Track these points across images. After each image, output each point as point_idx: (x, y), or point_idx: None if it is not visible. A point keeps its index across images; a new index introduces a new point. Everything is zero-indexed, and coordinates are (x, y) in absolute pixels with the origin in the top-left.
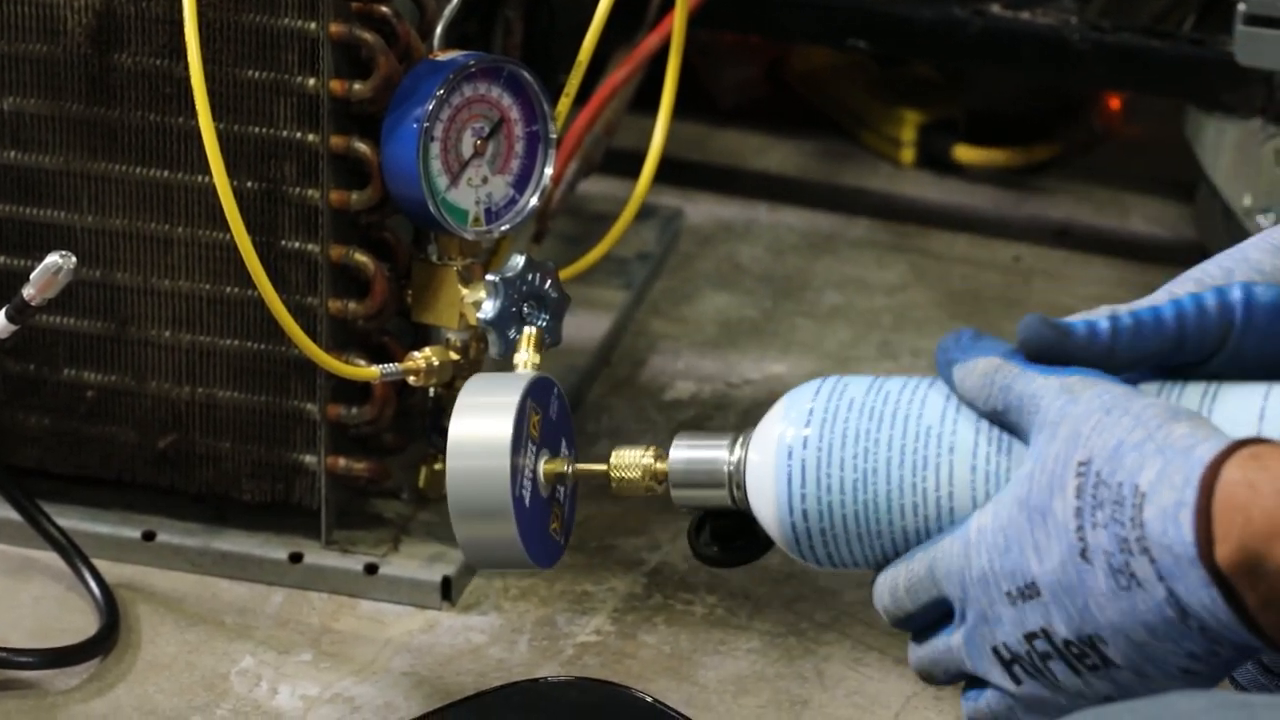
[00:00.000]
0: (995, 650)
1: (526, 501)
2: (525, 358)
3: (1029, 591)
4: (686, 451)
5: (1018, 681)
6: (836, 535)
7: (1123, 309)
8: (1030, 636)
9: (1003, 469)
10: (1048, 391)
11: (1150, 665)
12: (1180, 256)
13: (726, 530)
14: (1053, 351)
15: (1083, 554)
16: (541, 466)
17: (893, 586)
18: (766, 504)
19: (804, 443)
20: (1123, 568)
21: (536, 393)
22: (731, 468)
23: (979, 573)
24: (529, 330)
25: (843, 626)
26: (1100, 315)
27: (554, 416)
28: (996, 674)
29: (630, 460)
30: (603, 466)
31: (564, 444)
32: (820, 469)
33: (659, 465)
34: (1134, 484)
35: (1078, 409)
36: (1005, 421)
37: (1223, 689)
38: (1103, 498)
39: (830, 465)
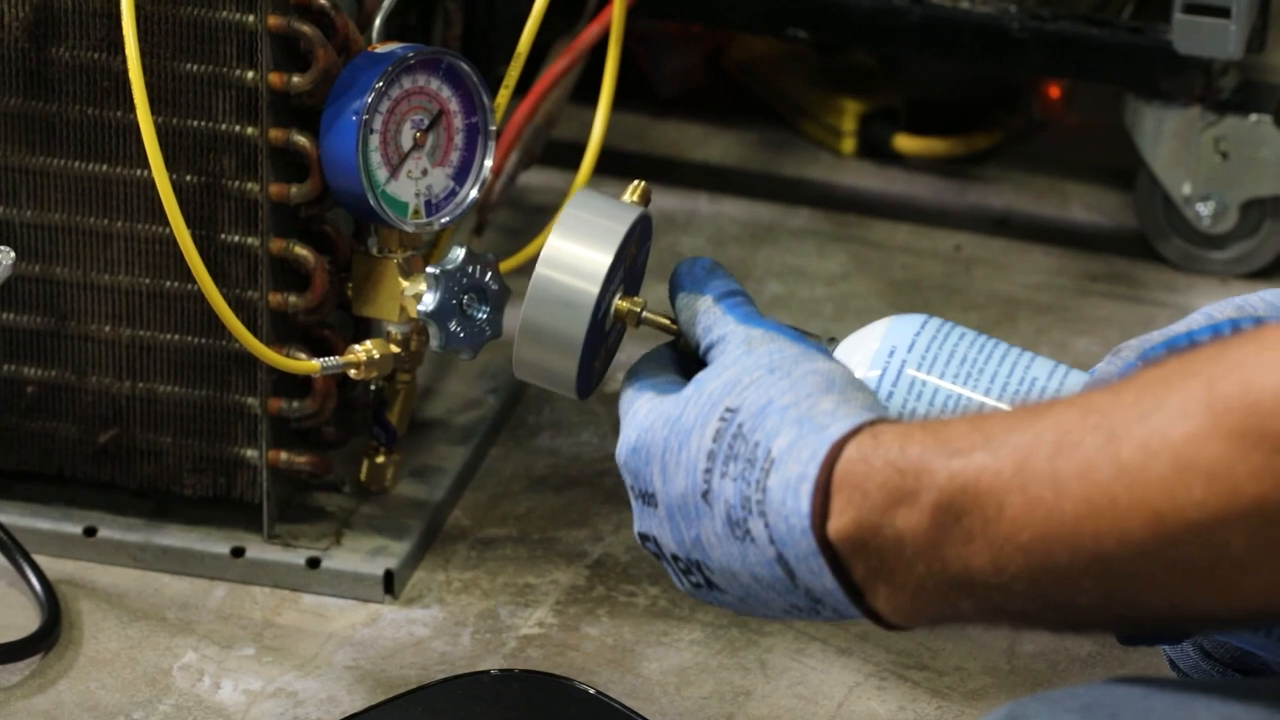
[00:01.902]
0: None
1: (593, 333)
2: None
3: (650, 500)
4: None
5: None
6: None
7: (1157, 336)
8: (644, 537)
9: None
10: (734, 338)
11: (754, 601)
12: (1120, 244)
13: None
14: None
15: (704, 496)
16: (616, 302)
17: None
18: None
19: (910, 345)
20: (740, 521)
21: (641, 228)
22: None
23: (619, 453)
24: (638, 182)
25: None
26: (1130, 345)
27: (641, 258)
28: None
29: None
30: (673, 325)
31: (638, 273)
32: (920, 371)
33: None
34: (767, 448)
35: (747, 360)
36: (707, 359)
37: (1163, 673)
38: (738, 451)
39: (929, 374)
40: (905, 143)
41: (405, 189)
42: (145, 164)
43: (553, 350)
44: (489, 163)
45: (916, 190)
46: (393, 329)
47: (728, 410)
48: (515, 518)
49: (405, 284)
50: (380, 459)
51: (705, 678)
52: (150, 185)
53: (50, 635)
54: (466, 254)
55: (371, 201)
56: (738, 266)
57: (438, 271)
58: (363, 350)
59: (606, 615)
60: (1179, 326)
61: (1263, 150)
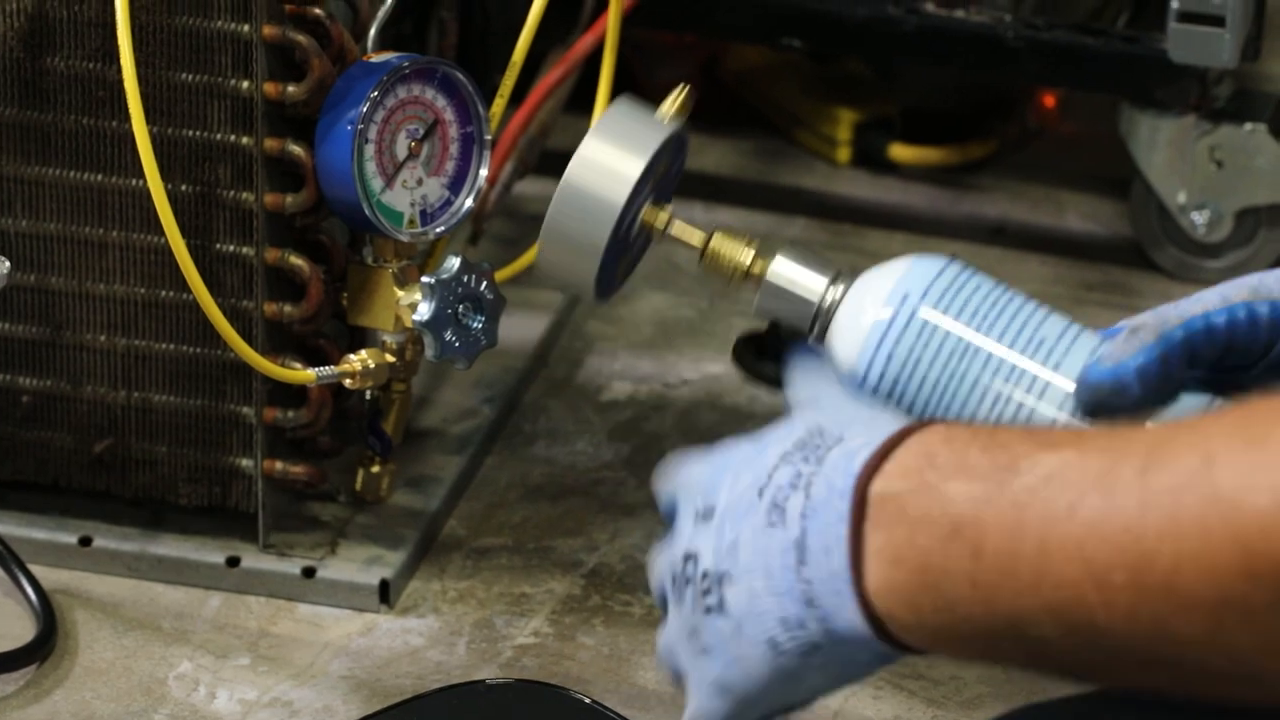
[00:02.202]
0: (669, 561)
1: (616, 239)
2: (669, 111)
3: (708, 515)
4: (788, 270)
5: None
6: (904, 393)
7: (1173, 317)
8: (688, 557)
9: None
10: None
11: (748, 622)
12: (1116, 253)
13: (780, 354)
14: (1115, 411)
15: (760, 491)
16: (645, 210)
17: None
18: (852, 342)
19: (924, 291)
20: (780, 503)
21: (675, 143)
22: (827, 301)
23: (691, 474)
24: (681, 88)
25: None
26: (1147, 324)
27: (675, 169)
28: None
29: (731, 248)
30: (701, 235)
31: (670, 184)
32: (928, 324)
33: (755, 267)
34: (839, 434)
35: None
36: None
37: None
38: (809, 443)
39: (939, 324)
40: (900, 152)
41: (400, 199)
42: (140, 174)
43: (574, 251)
44: (484, 172)
45: (912, 199)
46: (388, 338)
47: (819, 427)
48: (511, 527)
49: (400, 293)
50: (375, 468)
51: None
52: (145, 195)
53: (46, 645)
54: (462, 263)
55: (367, 211)
56: None
57: (433, 281)
58: (358, 360)
59: (602, 625)
60: (1194, 306)
61: (1258, 159)
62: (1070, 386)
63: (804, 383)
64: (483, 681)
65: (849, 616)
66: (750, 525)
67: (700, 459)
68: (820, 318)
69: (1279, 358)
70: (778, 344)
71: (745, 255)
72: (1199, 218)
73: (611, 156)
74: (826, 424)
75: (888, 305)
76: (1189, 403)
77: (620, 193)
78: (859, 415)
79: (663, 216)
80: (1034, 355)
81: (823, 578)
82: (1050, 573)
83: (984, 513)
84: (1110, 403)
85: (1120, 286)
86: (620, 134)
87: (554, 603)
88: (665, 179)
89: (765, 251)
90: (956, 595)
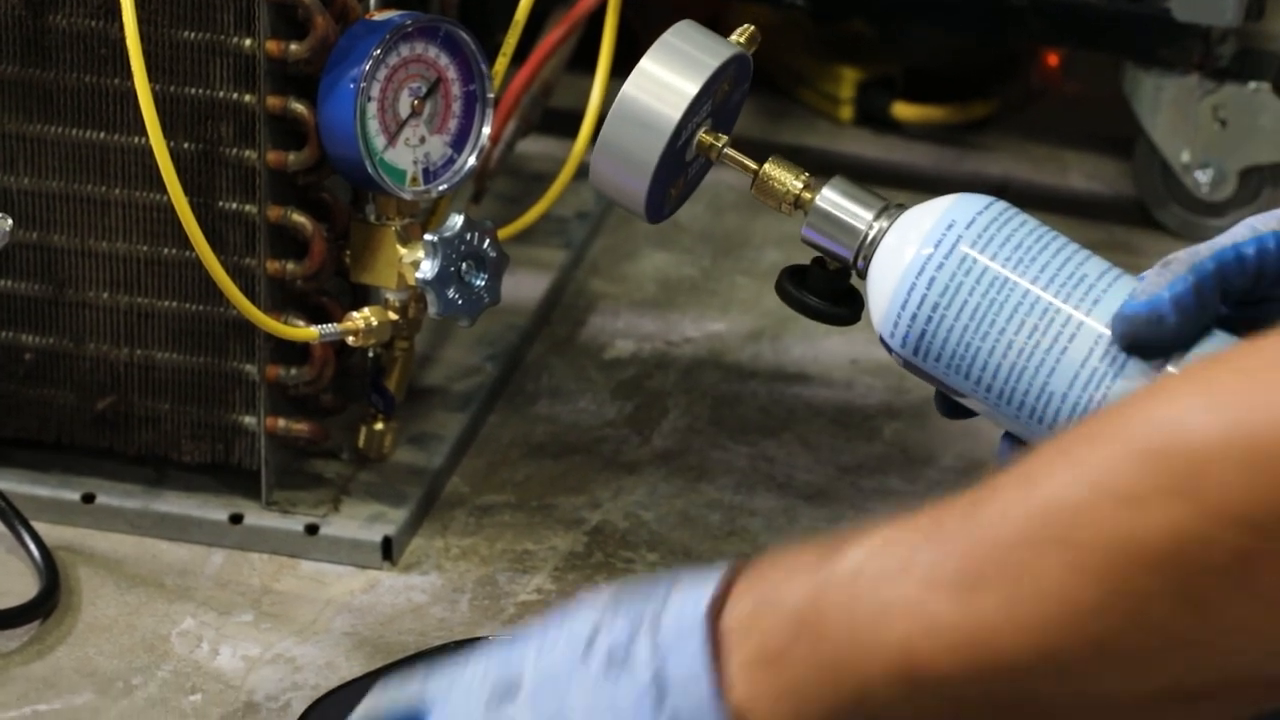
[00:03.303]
0: None
1: (670, 159)
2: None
3: (511, 691)
4: (837, 198)
5: None
6: (940, 323)
7: (1204, 250)
8: None
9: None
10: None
11: None
12: (1119, 212)
13: (823, 288)
14: (1151, 344)
15: (586, 647)
16: (699, 134)
17: None
18: (894, 272)
19: (970, 222)
20: (622, 651)
21: (736, 68)
22: (873, 232)
23: (475, 671)
24: (748, 26)
25: None
26: (1179, 258)
27: (736, 97)
28: None
29: (782, 175)
30: (754, 164)
31: (731, 107)
32: (973, 248)
33: (806, 194)
34: (667, 584)
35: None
36: None
37: None
38: (626, 598)
39: (982, 253)
40: (903, 110)
41: (403, 156)
42: (143, 131)
43: (627, 166)
44: (487, 130)
45: (915, 158)
46: (391, 296)
47: (629, 589)
48: (514, 484)
49: (403, 251)
50: (378, 426)
51: None
52: (148, 153)
53: (48, 601)
54: (464, 221)
55: (369, 169)
56: (736, 234)
57: (436, 239)
58: (360, 317)
59: (605, 581)
60: (1224, 240)
61: (1261, 118)
62: (1106, 321)
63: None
64: (486, 638)
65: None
66: (580, 685)
67: (453, 667)
68: (864, 249)
69: None
70: (821, 277)
71: (797, 183)
72: (1203, 177)
73: (669, 73)
74: (639, 587)
75: (930, 237)
76: (1221, 341)
77: (676, 109)
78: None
79: (717, 143)
80: (1074, 290)
81: (691, 706)
82: (890, 630)
83: (821, 597)
84: (1146, 335)
85: (1124, 245)
86: (680, 52)
87: (557, 559)
88: (725, 106)
89: (816, 182)
90: (808, 686)
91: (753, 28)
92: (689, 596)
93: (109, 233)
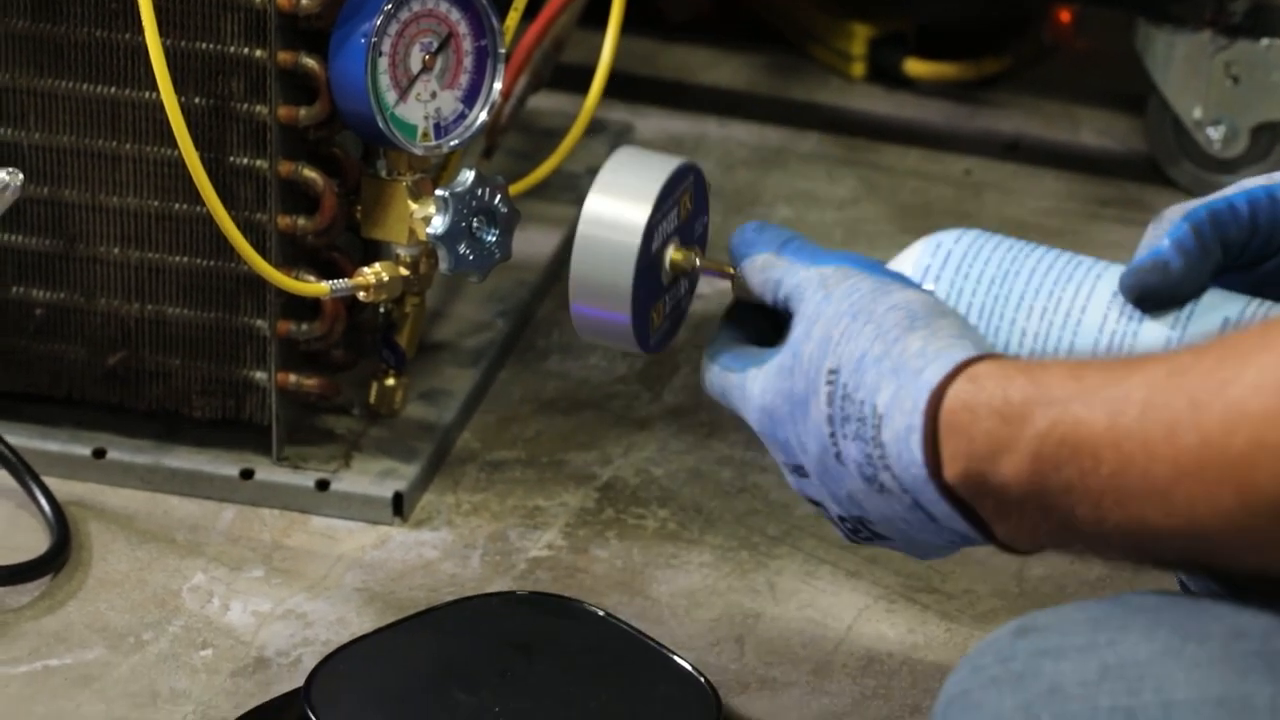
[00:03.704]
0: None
1: (645, 283)
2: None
3: (800, 471)
4: None
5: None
6: None
7: (1194, 201)
8: (811, 501)
9: (1136, 317)
10: (809, 284)
11: (919, 544)
12: (1131, 169)
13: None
14: (1160, 292)
15: (838, 457)
16: (670, 253)
17: None
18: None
19: (956, 238)
20: (872, 477)
21: (694, 181)
22: None
23: (760, 432)
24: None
25: (794, 540)
26: (1168, 214)
27: (699, 213)
28: None
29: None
30: (731, 269)
31: (697, 231)
32: (965, 260)
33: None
34: (873, 404)
35: (830, 308)
36: (788, 311)
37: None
38: (849, 412)
39: (975, 260)
40: (915, 67)
41: (414, 112)
42: (154, 86)
43: (604, 305)
44: (498, 86)
45: (927, 115)
46: (402, 252)
47: (830, 372)
48: (524, 440)
49: (414, 207)
50: (389, 382)
51: (714, 600)
52: (159, 108)
53: (59, 556)
54: (475, 177)
55: (380, 124)
56: (747, 190)
57: (447, 194)
58: (371, 273)
59: (616, 538)
60: (1213, 195)
61: (1274, 74)
62: (1113, 289)
63: (758, 272)
64: (497, 594)
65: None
66: (853, 486)
67: (747, 415)
68: None
69: None
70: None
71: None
72: (1215, 133)
73: (617, 206)
74: (845, 376)
75: (924, 245)
76: (1231, 306)
77: (631, 241)
78: (863, 354)
79: (691, 256)
80: (1075, 269)
81: (963, 529)
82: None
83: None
84: (1153, 284)
85: (1135, 202)
86: (622, 183)
87: (568, 516)
88: (692, 221)
89: None
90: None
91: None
92: (900, 436)
93: (120, 188)
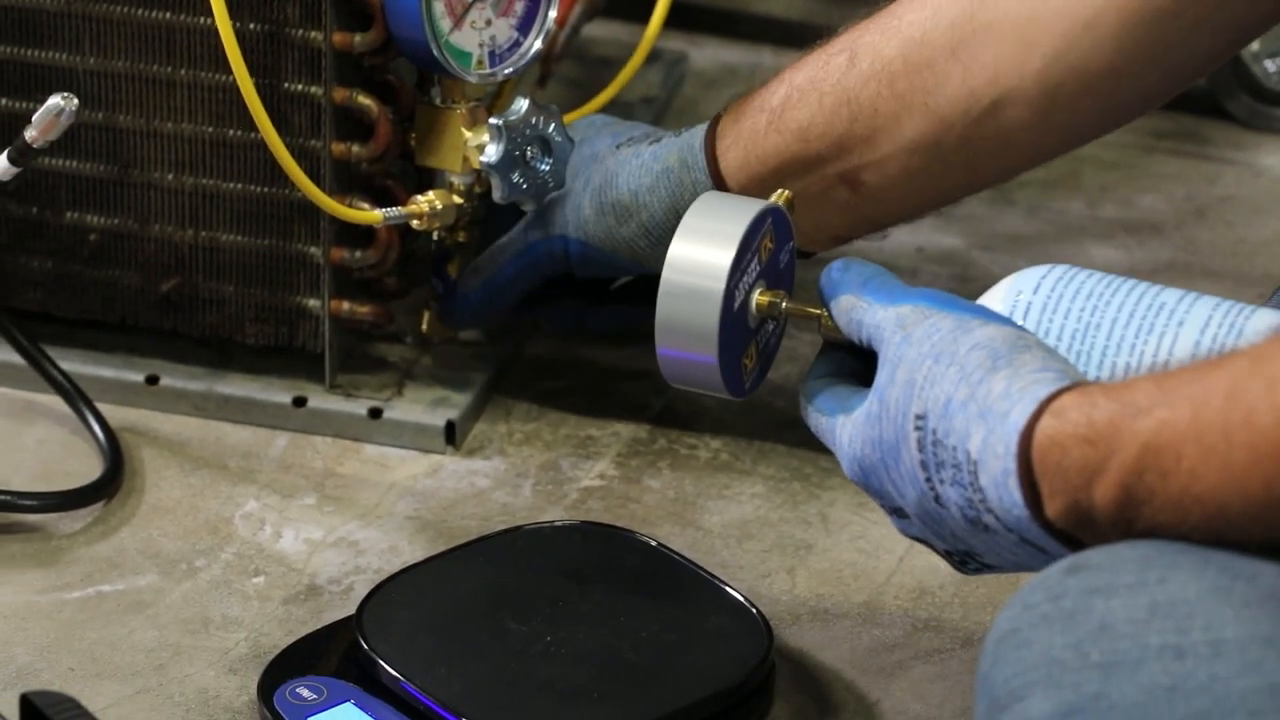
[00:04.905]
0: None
1: (732, 327)
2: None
3: (900, 512)
4: None
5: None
6: None
7: None
8: (915, 539)
9: (1230, 342)
10: (887, 326)
11: (1030, 569)
12: (1187, 102)
13: None
14: None
15: (937, 500)
16: (756, 297)
17: None
18: None
19: (1035, 288)
20: (976, 519)
21: (775, 222)
22: None
23: (855, 480)
24: (783, 191)
25: None
26: None
27: (784, 256)
28: None
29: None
30: (817, 310)
31: (783, 263)
32: (1045, 312)
33: None
34: (966, 450)
35: (910, 351)
36: (874, 352)
37: None
38: (943, 459)
39: (1055, 313)
40: None
41: (469, 39)
42: (209, 11)
43: (691, 351)
44: (553, 13)
45: None
46: (455, 179)
47: (918, 418)
48: (577, 370)
49: (468, 134)
50: None
51: (766, 531)
52: (214, 33)
53: (113, 483)
54: (530, 105)
55: (435, 51)
56: None
57: (501, 123)
58: (425, 201)
59: (668, 468)
60: None
61: None
62: (1194, 340)
63: (844, 315)
64: (548, 523)
65: None
66: (955, 526)
67: (841, 460)
68: None
69: None
70: None
71: None
72: (1271, 65)
73: (701, 252)
74: (934, 422)
75: (1006, 293)
76: None
77: (716, 286)
78: (949, 399)
79: (777, 300)
80: (1157, 318)
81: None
82: None
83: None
84: None
85: (1192, 135)
86: (705, 230)
87: (620, 445)
88: (776, 263)
89: None
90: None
91: (789, 192)
92: (997, 480)
93: (174, 113)
